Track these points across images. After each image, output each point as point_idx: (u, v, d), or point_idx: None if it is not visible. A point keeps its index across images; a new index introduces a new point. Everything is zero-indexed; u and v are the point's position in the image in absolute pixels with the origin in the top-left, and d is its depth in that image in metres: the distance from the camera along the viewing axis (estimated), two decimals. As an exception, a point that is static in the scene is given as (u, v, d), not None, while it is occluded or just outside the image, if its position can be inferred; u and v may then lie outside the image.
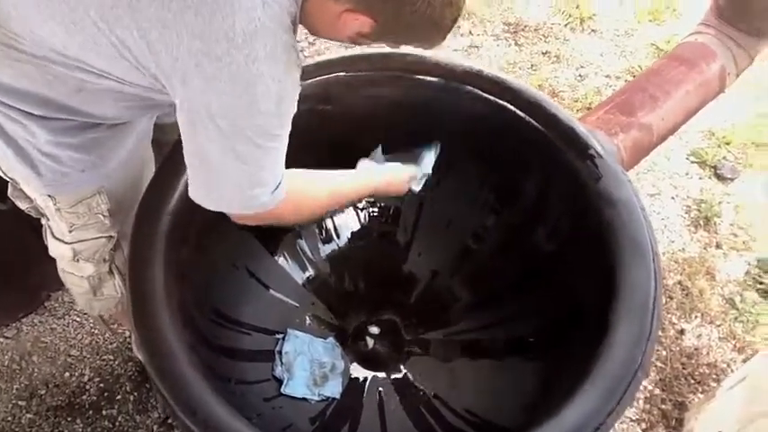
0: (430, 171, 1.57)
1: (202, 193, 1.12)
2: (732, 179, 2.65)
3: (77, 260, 1.43)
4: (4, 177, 1.29)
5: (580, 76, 3.05)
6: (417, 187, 1.55)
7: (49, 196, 1.28)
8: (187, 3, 0.93)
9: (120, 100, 1.15)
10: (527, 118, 1.54)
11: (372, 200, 1.83)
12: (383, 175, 1.47)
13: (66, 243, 1.39)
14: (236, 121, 1.00)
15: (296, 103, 1.06)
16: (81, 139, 1.21)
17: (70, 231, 1.36)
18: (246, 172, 1.06)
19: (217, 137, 1.01)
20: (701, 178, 2.66)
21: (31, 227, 1.48)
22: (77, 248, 1.40)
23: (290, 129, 1.07)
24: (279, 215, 1.18)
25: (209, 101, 0.98)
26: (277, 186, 1.11)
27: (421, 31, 1.07)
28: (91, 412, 1.93)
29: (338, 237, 1.82)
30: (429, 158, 1.57)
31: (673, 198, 2.58)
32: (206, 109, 0.99)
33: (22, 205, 1.39)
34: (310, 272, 1.77)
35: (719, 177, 2.66)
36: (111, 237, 1.42)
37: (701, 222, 2.50)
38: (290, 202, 1.16)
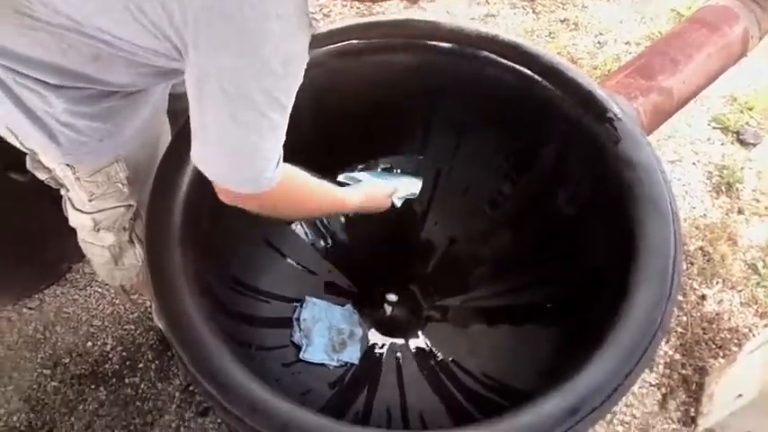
0: (416, 192, 1.64)
1: (199, 156, 1.09)
2: (755, 144, 2.61)
3: (98, 230, 1.44)
4: (22, 149, 1.30)
5: (599, 43, 3.00)
6: (399, 202, 1.60)
7: (68, 166, 1.29)
8: None
9: (134, 67, 1.14)
10: (544, 82, 1.52)
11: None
12: (365, 189, 1.51)
13: (87, 213, 1.40)
14: (243, 84, 0.98)
15: (302, 71, 1.03)
16: (97, 108, 1.21)
17: (90, 201, 1.37)
18: (247, 141, 1.04)
19: (222, 102, 0.99)
20: (722, 144, 2.62)
21: (51, 199, 1.49)
22: (97, 218, 1.41)
23: (292, 103, 1.04)
24: (272, 202, 1.16)
25: (218, 63, 0.97)
26: (276, 165, 1.09)
27: None
28: (114, 380, 1.96)
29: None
30: (414, 182, 1.65)
31: (694, 164, 2.55)
32: (215, 70, 0.97)
33: (41, 176, 1.40)
34: (328, 240, 1.78)
35: (742, 143, 2.62)
36: (130, 206, 1.43)
37: (723, 188, 2.47)
38: (285, 190, 1.15)
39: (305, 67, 1.04)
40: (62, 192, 1.43)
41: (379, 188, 1.56)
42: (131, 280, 1.60)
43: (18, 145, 1.28)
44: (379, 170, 1.71)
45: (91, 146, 1.26)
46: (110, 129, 1.26)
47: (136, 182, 1.41)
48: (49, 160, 1.31)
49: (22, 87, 1.13)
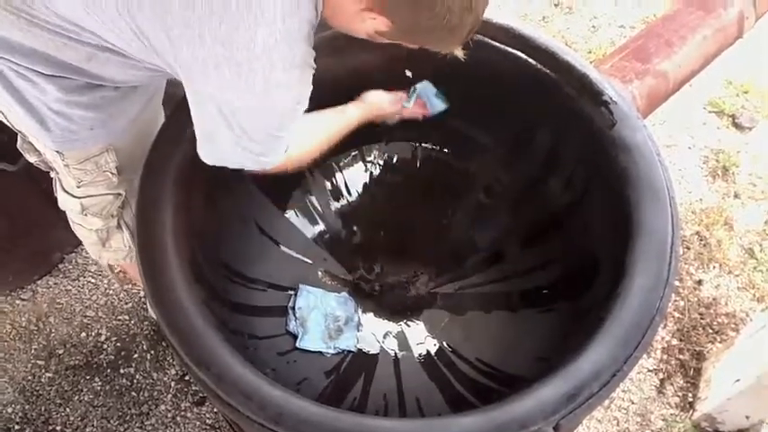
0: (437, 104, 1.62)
1: (215, 159, 1.17)
2: (750, 128, 2.61)
3: (85, 214, 1.44)
4: (13, 129, 1.29)
5: (593, 26, 2.99)
6: (408, 104, 1.60)
7: (58, 152, 1.27)
8: (213, 9, 0.93)
9: (129, 67, 1.16)
10: (538, 65, 1.50)
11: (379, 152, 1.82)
12: (365, 103, 1.52)
13: (75, 197, 1.40)
14: (252, 121, 1.06)
15: (307, 101, 1.10)
16: (91, 98, 1.20)
17: (78, 187, 1.37)
18: (255, 151, 1.13)
19: (230, 131, 1.07)
20: (718, 128, 2.62)
21: (41, 189, 1.48)
22: (85, 203, 1.41)
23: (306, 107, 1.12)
24: (282, 169, 1.24)
25: (228, 98, 1.02)
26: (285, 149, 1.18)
27: (438, 35, 1.06)
28: (109, 371, 1.95)
29: (348, 191, 1.80)
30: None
31: (690, 148, 2.54)
32: (227, 105, 1.03)
33: (31, 158, 1.39)
34: (321, 227, 1.76)
35: (738, 127, 2.61)
36: (119, 194, 1.43)
37: (719, 172, 2.47)
38: (294, 156, 1.24)
39: (310, 92, 1.09)
40: (52, 174, 1.42)
41: (382, 96, 1.56)
42: (119, 261, 1.61)
43: (8, 124, 1.27)
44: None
45: (81, 134, 1.25)
46: (102, 118, 1.25)
47: (127, 171, 1.40)
48: (39, 145, 1.30)
49: (15, 74, 1.13)
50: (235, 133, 1.06)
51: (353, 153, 1.79)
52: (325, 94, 1.22)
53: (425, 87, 1.61)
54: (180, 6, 0.94)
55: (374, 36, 1.09)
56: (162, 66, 1.07)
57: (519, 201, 1.69)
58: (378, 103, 1.53)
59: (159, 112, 1.49)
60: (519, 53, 1.51)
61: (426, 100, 1.61)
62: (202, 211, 1.39)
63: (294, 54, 0.99)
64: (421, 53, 1.15)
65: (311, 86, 1.08)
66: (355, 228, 1.79)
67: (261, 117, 1.06)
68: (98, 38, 1.06)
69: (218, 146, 1.12)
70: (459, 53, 1.12)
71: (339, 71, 1.50)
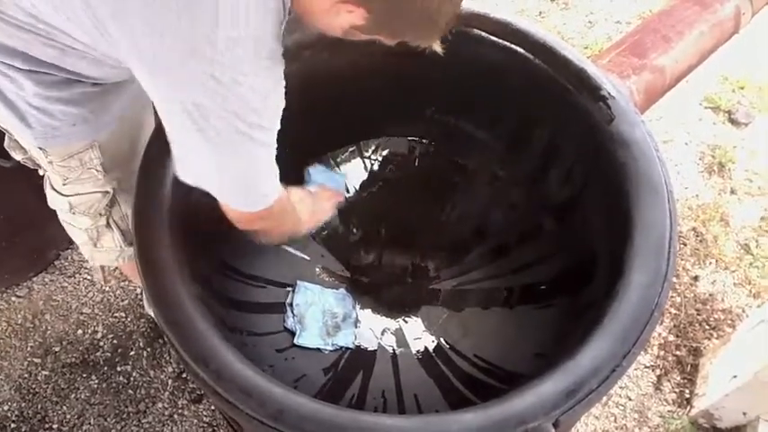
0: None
1: (194, 176, 1.13)
2: (746, 124, 2.61)
3: (73, 213, 1.43)
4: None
5: (590, 22, 2.99)
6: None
7: (41, 149, 1.26)
8: (170, 6, 0.89)
9: (106, 66, 1.13)
10: (536, 60, 1.49)
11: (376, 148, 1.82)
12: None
13: (63, 195, 1.39)
14: (223, 121, 0.99)
15: (283, 99, 1.04)
16: (70, 93, 1.18)
17: (64, 184, 1.35)
18: (241, 166, 1.08)
19: (203, 134, 1.00)
20: (714, 123, 2.62)
21: (36, 185, 1.47)
22: (72, 202, 1.40)
23: (278, 127, 1.06)
24: (266, 223, 1.24)
25: (196, 99, 0.96)
26: (273, 190, 1.15)
27: (417, 25, 1.03)
28: (105, 368, 1.95)
29: (345, 187, 1.79)
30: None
31: (686, 144, 2.54)
32: (197, 108, 0.97)
33: (17, 156, 1.38)
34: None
35: (733, 122, 2.62)
36: (106, 192, 1.41)
37: (715, 168, 2.47)
38: (281, 216, 1.24)
39: (284, 92, 1.04)
40: (40, 171, 1.41)
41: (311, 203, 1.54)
42: (112, 262, 1.58)
43: None
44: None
45: (63, 130, 1.23)
46: (84, 114, 1.23)
47: (113, 169, 1.38)
48: (23, 142, 1.29)
49: None
50: (209, 140, 1.01)
51: (351, 149, 1.78)
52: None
53: (318, 172, 1.67)
54: (139, 4, 0.91)
55: (349, 32, 1.06)
56: (129, 66, 1.03)
57: (517, 196, 1.69)
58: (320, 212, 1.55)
59: (145, 108, 1.47)
60: (517, 48, 1.51)
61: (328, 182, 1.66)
62: (199, 209, 1.39)
63: (260, 48, 0.95)
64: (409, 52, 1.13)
65: (283, 84, 1.03)
66: (353, 224, 1.78)
67: (232, 116, 0.99)
68: (68, 37, 1.03)
69: (193, 159, 1.08)
70: (438, 47, 1.08)
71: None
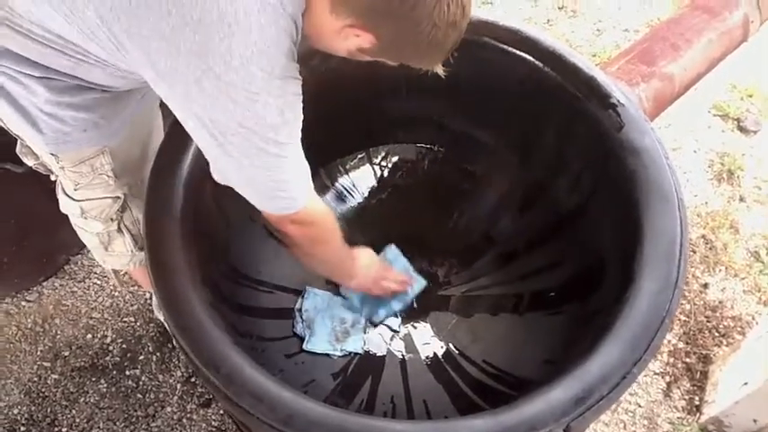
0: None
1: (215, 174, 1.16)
2: (755, 132, 2.60)
3: (85, 218, 1.44)
4: (11, 133, 1.29)
5: (598, 30, 2.99)
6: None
7: (53, 155, 1.27)
8: (185, 20, 0.91)
9: (116, 76, 1.14)
10: (546, 68, 1.50)
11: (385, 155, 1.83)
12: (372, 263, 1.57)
13: (75, 200, 1.40)
14: (241, 138, 1.01)
15: (300, 113, 1.06)
16: (81, 99, 1.19)
17: (76, 189, 1.37)
18: (263, 176, 1.10)
19: (223, 149, 1.03)
20: (723, 131, 2.61)
21: (47, 190, 1.48)
22: (84, 207, 1.41)
23: (298, 139, 1.09)
24: (297, 229, 1.23)
25: (213, 115, 0.99)
26: (301, 195, 1.17)
27: (422, 51, 1.04)
28: (114, 373, 1.95)
29: (355, 193, 1.80)
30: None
31: (695, 152, 2.54)
32: (214, 124, 1.00)
33: (29, 161, 1.39)
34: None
35: (742, 130, 2.61)
36: (117, 198, 1.42)
37: (725, 176, 2.46)
38: (313, 226, 1.25)
39: (301, 108, 1.05)
40: (52, 177, 1.42)
41: (382, 269, 1.59)
42: (123, 266, 1.59)
43: (6, 128, 1.27)
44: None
45: (74, 136, 1.24)
46: (95, 120, 1.24)
47: (124, 174, 1.40)
48: (35, 148, 1.30)
49: (5, 77, 1.12)
50: (229, 154, 1.04)
51: (360, 155, 1.79)
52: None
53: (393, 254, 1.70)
54: (155, 18, 0.92)
55: (355, 54, 1.08)
56: (146, 79, 1.05)
57: (526, 203, 1.70)
58: (372, 278, 1.56)
59: (156, 114, 1.48)
60: (526, 56, 1.51)
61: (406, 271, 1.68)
62: (210, 215, 1.40)
63: (273, 65, 0.96)
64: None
65: (300, 99, 1.04)
66: (362, 229, 1.78)
67: (248, 132, 1.01)
68: (83, 50, 1.05)
69: (221, 167, 1.12)
70: (440, 70, 1.10)
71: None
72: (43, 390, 1.93)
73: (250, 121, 0.99)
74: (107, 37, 0.99)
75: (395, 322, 1.66)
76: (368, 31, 1.00)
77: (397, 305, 1.64)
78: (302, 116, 1.06)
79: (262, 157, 1.04)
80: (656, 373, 1.98)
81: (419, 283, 1.67)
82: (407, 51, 1.06)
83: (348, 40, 1.03)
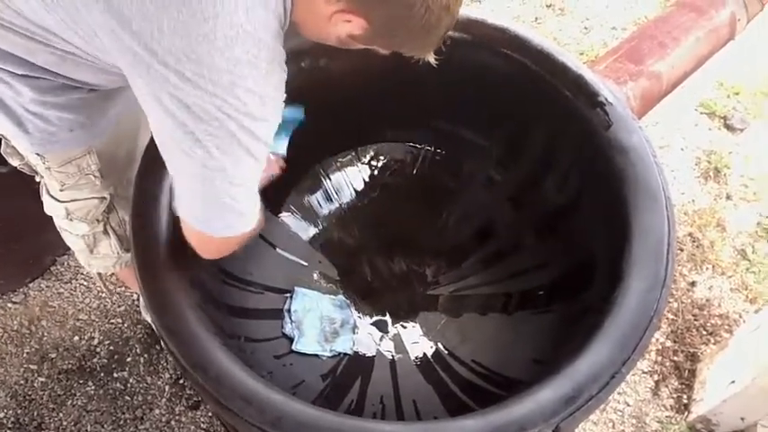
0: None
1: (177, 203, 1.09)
2: (742, 129, 2.62)
3: (71, 219, 1.43)
4: None
5: (585, 28, 3.00)
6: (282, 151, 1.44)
7: (38, 155, 1.26)
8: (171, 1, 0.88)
9: (103, 73, 1.12)
10: (534, 67, 1.49)
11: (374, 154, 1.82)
12: None
13: (60, 201, 1.39)
14: (221, 121, 0.94)
15: (280, 108, 1.02)
16: (67, 99, 1.18)
17: (62, 190, 1.35)
18: (221, 178, 1.01)
19: (197, 137, 0.96)
20: (710, 129, 2.63)
21: (32, 191, 1.46)
22: (70, 208, 1.39)
23: (270, 143, 1.02)
24: (209, 247, 1.16)
25: (188, 99, 0.93)
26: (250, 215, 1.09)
27: (415, 36, 1.02)
28: (102, 375, 1.94)
29: (343, 193, 1.80)
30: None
31: (682, 150, 2.55)
32: (186, 106, 0.93)
33: (14, 162, 1.38)
34: (316, 229, 1.76)
35: (729, 128, 2.62)
36: (103, 198, 1.41)
37: (711, 174, 2.48)
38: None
39: (282, 101, 1.01)
40: (37, 178, 1.41)
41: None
42: (108, 269, 1.58)
43: None
44: None
45: (60, 136, 1.22)
46: (81, 120, 1.23)
47: (110, 174, 1.38)
48: (20, 148, 1.29)
49: None
50: (194, 149, 0.96)
51: (349, 155, 1.78)
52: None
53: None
54: None
55: (346, 41, 1.05)
56: (120, 67, 1.00)
57: (515, 202, 1.70)
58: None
59: (142, 115, 1.46)
60: (514, 54, 1.51)
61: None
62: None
63: (259, 49, 0.93)
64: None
65: (283, 92, 1.01)
66: (351, 229, 1.78)
67: (226, 119, 0.94)
68: (66, 42, 1.02)
69: (177, 163, 1.03)
70: (432, 58, 1.08)
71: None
72: (30, 392, 1.91)
73: (230, 108, 0.93)
74: (86, 23, 0.95)
75: (384, 323, 1.65)
76: (359, 15, 0.97)
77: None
78: (279, 120, 1.02)
79: (233, 149, 0.97)
80: (644, 372, 1.99)
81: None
82: (400, 36, 1.03)
83: (338, 26, 1.00)
